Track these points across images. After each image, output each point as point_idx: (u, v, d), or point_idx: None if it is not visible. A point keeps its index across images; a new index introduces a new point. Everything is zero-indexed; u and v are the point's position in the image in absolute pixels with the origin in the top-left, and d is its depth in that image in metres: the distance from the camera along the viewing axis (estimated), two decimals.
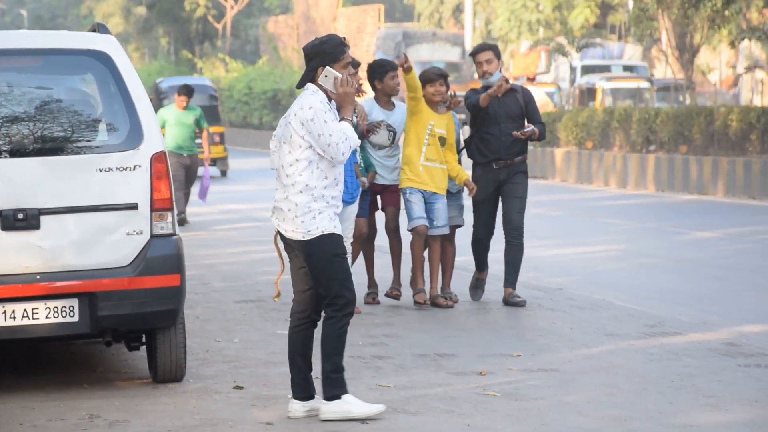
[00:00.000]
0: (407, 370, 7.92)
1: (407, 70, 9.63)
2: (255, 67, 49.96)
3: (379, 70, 10.10)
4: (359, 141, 6.77)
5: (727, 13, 27.83)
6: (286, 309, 10.24)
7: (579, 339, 8.88)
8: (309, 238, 6.53)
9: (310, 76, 6.64)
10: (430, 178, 9.96)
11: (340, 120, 6.59)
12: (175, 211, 7.37)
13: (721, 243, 15.39)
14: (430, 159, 9.98)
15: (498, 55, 10.21)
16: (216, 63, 58.59)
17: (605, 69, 41.30)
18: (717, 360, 8.16)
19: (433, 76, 9.99)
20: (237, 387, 7.45)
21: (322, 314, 6.68)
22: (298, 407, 6.72)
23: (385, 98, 10.17)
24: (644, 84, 32.91)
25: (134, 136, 7.27)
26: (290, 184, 6.55)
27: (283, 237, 6.68)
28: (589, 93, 33.41)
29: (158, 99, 27.96)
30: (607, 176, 26.09)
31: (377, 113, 10.14)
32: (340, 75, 6.59)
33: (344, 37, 6.76)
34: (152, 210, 7.23)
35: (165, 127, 16.46)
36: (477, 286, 10.51)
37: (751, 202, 21.40)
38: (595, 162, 26.83)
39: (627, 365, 8.03)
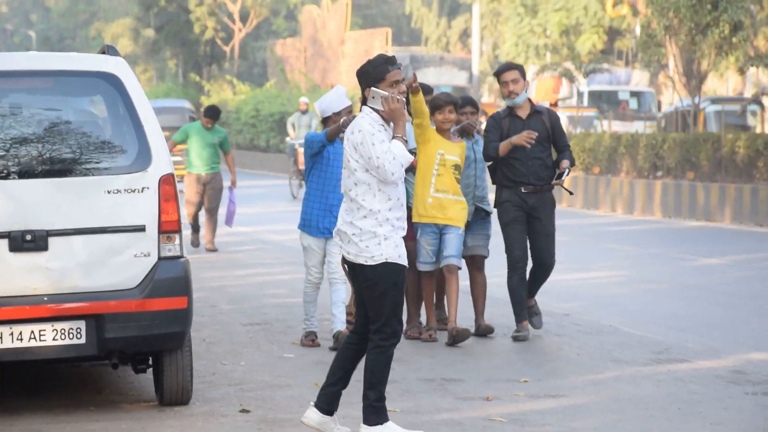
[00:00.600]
0: (413, 394, 7.90)
1: (414, 91, 9.05)
2: (262, 90, 50.03)
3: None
4: (411, 158, 6.70)
5: (734, 40, 27.84)
6: (293, 332, 10.26)
7: (586, 365, 8.86)
8: (371, 263, 6.55)
9: (364, 99, 6.74)
10: (440, 211, 9.51)
11: (393, 138, 6.62)
12: (183, 234, 7.37)
13: (728, 270, 15.36)
14: (441, 190, 9.51)
15: (524, 75, 9.78)
16: (224, 85, 58.71)
17: (612, 95, 41.33)
18: (724, 387, 8.13)
19: (441, 103, 9.56)
20: (243, 410, 7.44)
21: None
22: (314, 416, 6.72)
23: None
24: (753, 107, 30.95)
25: (143, 158, 7.28)
26: (355, 209, 6.61)
27: (345, 259, 6.71)
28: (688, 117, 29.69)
29: None
30: (614, 202, 26.07)
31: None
32: (385, 93, 6.60)
33: (393, 56, 6.71)
34: (160, 232, 7.24)
35: (188, 144, 16.58)
36: (531, 314, 10.05)
37: (758, 229, 21.37)
38: (602, 187, 26.82)
39: (634, 391, 8.01)
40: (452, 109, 9.59)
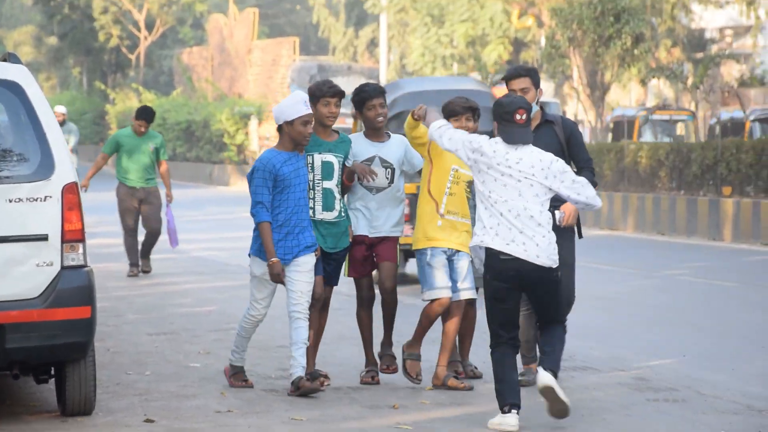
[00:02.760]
0: (321, 403, 7.89)
1: (417, 119, 7.93)
2: (169, 99, 49.71)
3: (358, 98, 8.29)
4: None
5: (636, 51, 28.33)
6: (199, 341, 10.19)
7: (491, 373, 8.90)
8: (556, 265, 7.27)
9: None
10: (451, 234, 8.18)
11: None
12: (86, 243, 7.27)
13: (631, 278, 15.59)
14: (452, 212, 8.18)
15: (536, 83, 8.23)
16: (129, 93, 58.18)
17: None
18: (627, 394, 8.25)
19: (458, 109, 8.18)
20: (147, 420, 7.36)
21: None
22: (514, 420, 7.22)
23: (371, 131, 8.33)
24: None
25: (45, 167, 7.19)
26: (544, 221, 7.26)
27: (511, 267, 7.16)
28: (733, 128, 28.08)
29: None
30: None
31: (365, 148, 8.29)
32: None
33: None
34: (63, 241, 7.15)
35: (118, 153, 14.63)
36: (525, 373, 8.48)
37: (659, 238, 21.73)
38: None
39: (539, 399, 8.07)
40: (470, 116, 8.21)
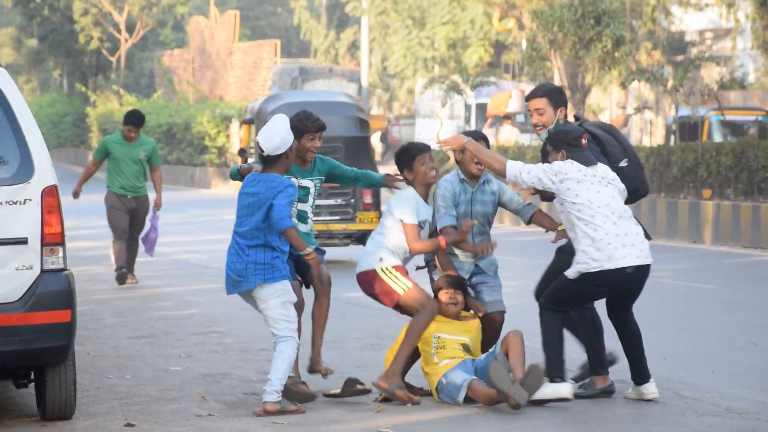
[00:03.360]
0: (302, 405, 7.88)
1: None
2: (150, 101, 49.60)
3: (406, 157, 8.17)
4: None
5: (617, 54, 28.38)
6: (180, 345, 10.18)
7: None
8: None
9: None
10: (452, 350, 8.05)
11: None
12: (66, 247, 7.25)
13: None
14: (446, 355, 8.03)
15: (557, 102, 8.13)
16: (110, 96, 58.04)
17: None
18: (606, 395, 8.25)
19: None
20: (128, 425, 7.35)
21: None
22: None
23: (420, 188, 8.20)
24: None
25: (25, 170, 7.16)
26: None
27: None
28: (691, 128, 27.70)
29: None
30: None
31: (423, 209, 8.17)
32: None
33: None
34: (43, 245, 7.12)
35: (108, 159, 14.05)
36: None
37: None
38: None
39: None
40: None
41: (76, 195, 14.14)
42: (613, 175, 8.00)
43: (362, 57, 59.55)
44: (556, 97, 8.11)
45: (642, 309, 12.93)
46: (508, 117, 37.39)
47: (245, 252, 7.64)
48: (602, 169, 8.00)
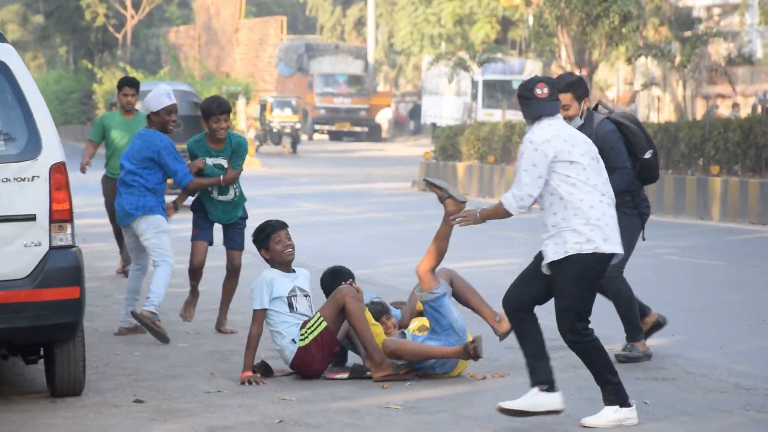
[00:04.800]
0: (311, 383, 7.90)
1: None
2: (156, 78, 49.52)
3: (261, 236, 8.51)
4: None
5: (624, 30, 28.30)
6: (187, 323, 10.19)
7: (486, 354, 8.92)
8: None
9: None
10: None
11: None
12: (74, 224, 7.24)
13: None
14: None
15: (581, 95, 8.22)
16: (116, 72, 58.01)
17: (506, 84, 41.73)
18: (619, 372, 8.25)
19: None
20: (137, 401, 7.37)
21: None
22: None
23: (279, 266, 8.49)
24: None
25: (32, 146, 7.16)
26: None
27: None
28: None
29: None
30: (508, 190, 26.32)
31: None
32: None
33: None
34: (51, 221, 7.13)
35: (105, 140, 12.58)
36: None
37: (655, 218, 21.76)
38: (496, 176, 27.06)
39: (526, 379, 8.09)
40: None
41: (83, 169, 12.83)
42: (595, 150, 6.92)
43: (368, 33, 59.41)
44: (579, 89, 8.21)
45: (649, 286, 12.95)
46: None
47: (127, 191, 9.40)
48: (579, 135, 6.90)
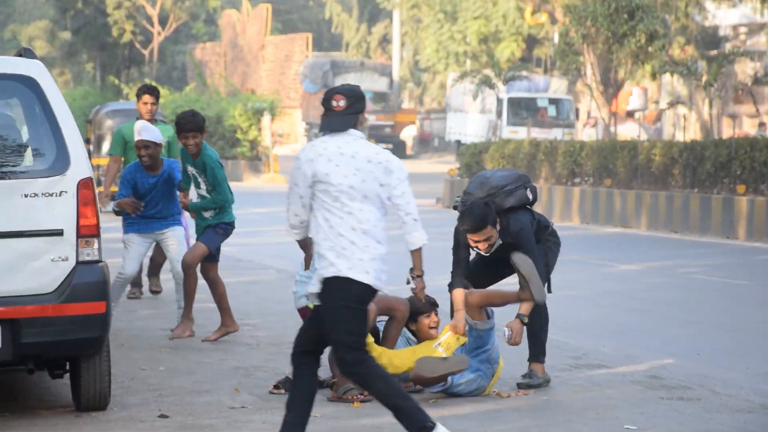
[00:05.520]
0: (334, 400, 7.89)
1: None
2: (182, 94, 49.75)
3: None
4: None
5: (650, 49, 28.27)
6: (211, 339, 10.20)
7: (504, 370, 8.91)
8: None
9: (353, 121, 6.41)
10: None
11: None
12: (101, 239, 7.28)
13: (644, 276, 15.56)
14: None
15: (493, 222, 8.16)
16: None
17: (531, 102, 41.71)
18: (640, 392, 8.24)
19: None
20: (162, 416, 7.38)
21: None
22: None
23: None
24: None
25: (60, 162, 7.19)
26: None
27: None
28: None
29: (97, 129, 24.33)
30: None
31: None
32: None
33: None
34: (78, 236, 7.16)
35: (125, 153, 12.05)
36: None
37: (673, 236, 21.68)
38: None
39: (552, 396, 8.08)
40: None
41: (103, 205, 11.52)
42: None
43: (394, 51, 59.49)
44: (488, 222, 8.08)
45: (675, 305, 12.91)
46: (630, 114, 37.16)
47: None
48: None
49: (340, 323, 6.19)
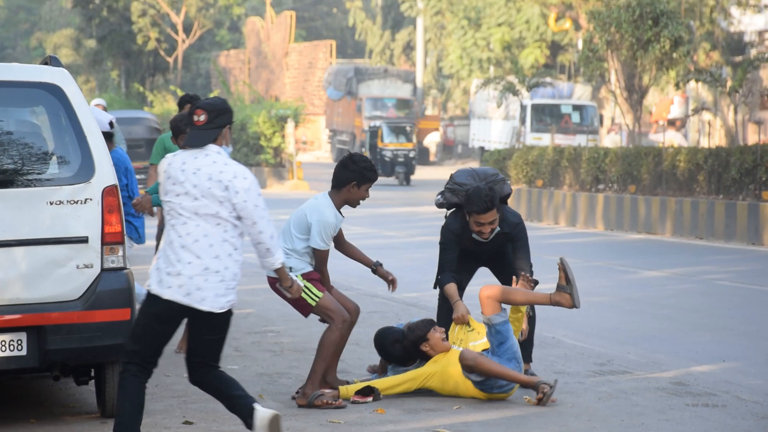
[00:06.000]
0: (358, 407, 7.90)
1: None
2: None
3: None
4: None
5: (675, 55, 28.18)
6: (236, 344, 10.23)
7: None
8: None
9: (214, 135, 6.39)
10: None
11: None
12: (125, 246, 7.30)
13: (669, 282, 15.51)
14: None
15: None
16: (167, 96, 58.47)
17: (555, 108, 41.65)
18: (665, 399, 8.21)
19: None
20: (186, 422, 7.40)
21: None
22: None
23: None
24: None
25: (85, 169, 7.23)
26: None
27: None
28: None
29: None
30: (557, 214, 26.24)
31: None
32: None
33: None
34: (103, 244, 7.19)
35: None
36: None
37: (698, 242, 21.60)
38: (545, 200, 26.99)
39: (577, 403, 8.06)
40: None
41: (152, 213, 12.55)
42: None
43: (417, 57, 59.52)
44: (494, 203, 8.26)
45: (701, 311, 12.85)
46: (672, 122, 37.02)
47: None
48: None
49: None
